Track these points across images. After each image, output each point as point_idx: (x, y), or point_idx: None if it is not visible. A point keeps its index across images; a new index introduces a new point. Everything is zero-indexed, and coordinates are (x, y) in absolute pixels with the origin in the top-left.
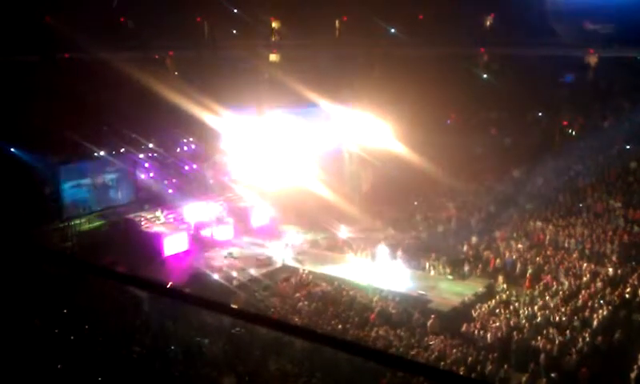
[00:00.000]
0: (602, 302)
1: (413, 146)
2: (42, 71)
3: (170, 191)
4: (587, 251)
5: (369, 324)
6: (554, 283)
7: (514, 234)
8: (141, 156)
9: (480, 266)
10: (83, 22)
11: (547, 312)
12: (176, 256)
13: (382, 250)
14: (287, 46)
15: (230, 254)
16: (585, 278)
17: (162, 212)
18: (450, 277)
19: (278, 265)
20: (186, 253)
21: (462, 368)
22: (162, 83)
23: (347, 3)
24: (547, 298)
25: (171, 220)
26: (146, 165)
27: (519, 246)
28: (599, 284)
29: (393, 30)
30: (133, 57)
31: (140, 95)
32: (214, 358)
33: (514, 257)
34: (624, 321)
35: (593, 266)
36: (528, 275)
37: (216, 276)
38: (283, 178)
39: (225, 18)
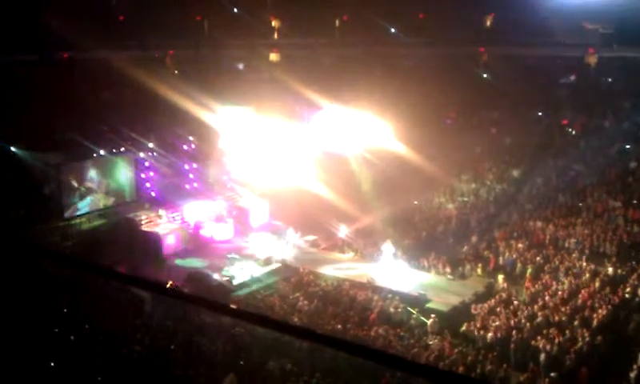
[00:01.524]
0: (601, 301)
1: (413, 146)
2: (41, 71)
3: (171, 190)
4: (587, 251)
5: (368, 323)
6: (554, 283)
7: (514, 234)
8: (141, 155)
9: (480, 265)
10: (82, 21)
11: (547, 311)
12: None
13: (382, 249)
14: (287, 45)
15: (230, 253)
16: (584, 278)
17: (163, 211)
18: (450, 276)
19: (278, 264)
20: (186, 252)
21: (461, 368)
22: (162, 82)
23: (348, 3)
24: (547, 297)
25: (172, 219)
26: (147, 164)
27: (519, 245)
28: (599, 284)
29: (393, 30)
30: (133, 56)
31: (140, 94)
32: (214, 357)
33: (514, 256)
34: (624, 320)
35: (593, 266)
36: (528, 275)
37: (215, 275)
38: (283, 177)
39: (225, 16)
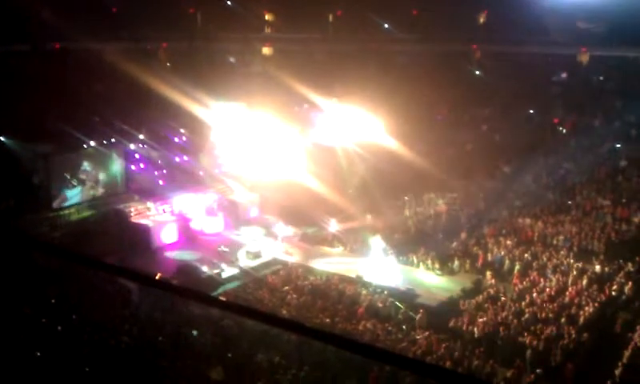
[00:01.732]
0: (588, 299)
1: (404, 142)
2: (33, 61)
3: (161, 182)
4: (575, 248)
5: (356, 318)
6: (542, 280)
7: (503, 231)
8: (132, 147)
9: (469, 261)
10: (75, 12)
11: (534, 308)
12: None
13: (372, 244)
14: (280, 39)
15: (220, 246)
16: (572, 275)
17: (153, 203)
18: (439, 272)
19: (268, 258)
20: (176, 244)
21: (448, 363)
22: (154, 75)
23: None
24: (534, 294)
25: (161, 211)
26: (137, 156)
27: (508, 242)
28: (586, 281)
29: (386, 26)
30: (125, 48)
31: (132, 86)
32: (202, 349)
33: (503, 253)
34: (610, 318)
35: (580, 264)
36: (516, 271)
37: (205, 268)
38: (274, 171)
39: (218, 10)
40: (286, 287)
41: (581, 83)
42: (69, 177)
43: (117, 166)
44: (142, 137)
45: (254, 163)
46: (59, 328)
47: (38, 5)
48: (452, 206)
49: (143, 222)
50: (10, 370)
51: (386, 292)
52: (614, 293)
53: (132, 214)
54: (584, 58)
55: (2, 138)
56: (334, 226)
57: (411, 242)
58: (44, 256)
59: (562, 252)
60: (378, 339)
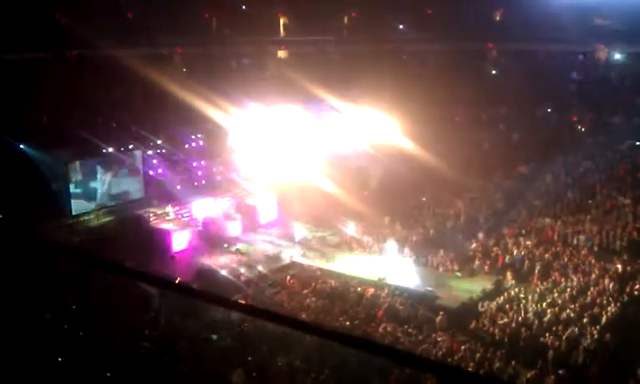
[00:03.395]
0: (610, 298)
1: (421, 143)
2: (51, 68)
3: (179, 188)
4: (596, 248)
5: (376, 320)
6: (563, 280)
7: (523, 231)
8: (149, 152)
9: (488, 262)
10: (92, 19)
11: (556, 309)
12: (184, 251)
13: (390, 246)
14: (295, 42)
15: (238, 250)
16: (594, 275)
17: (171, 208)
18: (459, 273)
19: (286, 261)
20: (195, 249)
21: (470, 364)
22: (171, 80)
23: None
24: (556, 294)
25: (180, 216)
26: (155, 161)
27: (528, 242)
28: (608, 281)
29: (401, 26)
30: (141, 53)
31: (148, 92)
32: (222, 353)
33: (523, 253)
34: (633, 317)
35: (602, 263)
36: (536, 272)
37: (224, 272)
38: (291, 175)
39: (233, 14)
40: (305, 290)
41: (599, 80)
42: (88, 183)
43: (135, 171)
44: (159, 142)
45: (273, 167)
46: (80, 333)
47: (57, 12)
48: (470, 207)
49: (162, 226)
50: (33, 375)
51: (405, 294)
52: (636, 292)
53: (151, 220)
54: (602, 54)
55: (22, 145)
56: (352, 228)
57: (430, 243)
58: (64, 262)
59: (582, 251)
60: (399, 341)
